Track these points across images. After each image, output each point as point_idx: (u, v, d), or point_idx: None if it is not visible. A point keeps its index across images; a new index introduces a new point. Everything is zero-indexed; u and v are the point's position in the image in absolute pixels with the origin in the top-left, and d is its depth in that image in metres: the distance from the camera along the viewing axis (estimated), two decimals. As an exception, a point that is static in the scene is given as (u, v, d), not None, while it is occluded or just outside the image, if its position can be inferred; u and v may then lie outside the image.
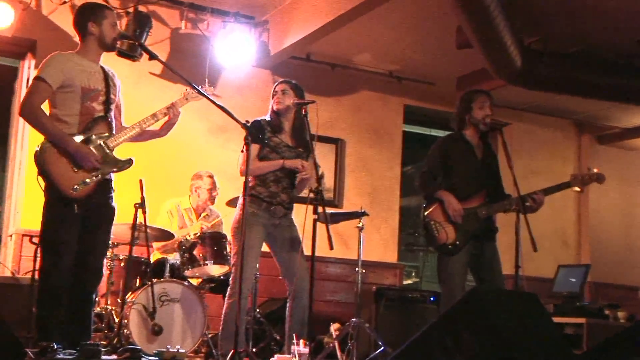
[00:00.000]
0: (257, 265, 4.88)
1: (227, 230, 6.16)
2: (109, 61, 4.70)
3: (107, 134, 4.46)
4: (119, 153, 4.53)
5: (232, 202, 6.19)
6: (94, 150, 4.38)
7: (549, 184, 5.30)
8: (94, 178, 4.36)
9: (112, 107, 4.53)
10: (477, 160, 5.32)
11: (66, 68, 4.36)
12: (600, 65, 7.13)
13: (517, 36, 6.46)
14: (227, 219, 6.39)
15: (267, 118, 5.00)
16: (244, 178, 4.45)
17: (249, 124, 4.12)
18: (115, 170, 4.49)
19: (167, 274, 5.73)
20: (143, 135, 4.68)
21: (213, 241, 5.77)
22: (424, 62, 7.96)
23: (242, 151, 4.34)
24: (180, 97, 4.77)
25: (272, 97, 5.01)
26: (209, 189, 6.43)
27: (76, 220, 4.31)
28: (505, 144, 5.05)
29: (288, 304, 4.84)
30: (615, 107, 8.50)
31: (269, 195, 4.85)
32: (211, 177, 6.48)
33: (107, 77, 4.51)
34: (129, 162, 4.52)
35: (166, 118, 4.67)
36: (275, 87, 5.04)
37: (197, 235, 5.77)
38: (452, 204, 5.19)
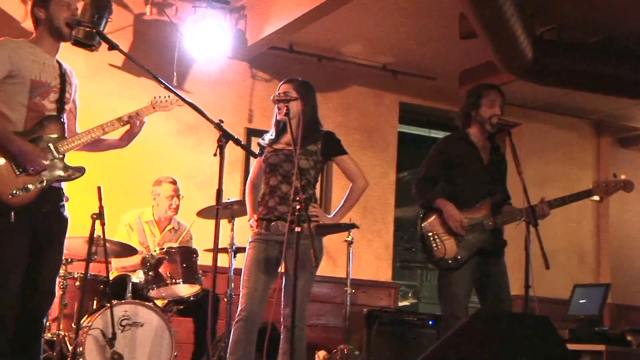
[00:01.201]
0: (270, 284, 4.85)
1: (199, 244, 6.15)
2: (62, 52, 4.67)
3: (58, 136, 4.37)
4: (72, 160, 4.46)
5: (203, 213, 6.18)
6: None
7: (564, 193, 5.31)
8: (37, 185, 4.24)
9: (67, 107, 4.44)
10: (483, 164, 5.34)
11: (15, 56, 4.29)
12: (622, 58, 7.18)
13: (529, 25, 6.50)
14: (200, 232, 6.39)
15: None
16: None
17: (222, 124, 4.11)
18: (64, 177, 4.36)
19: (129, 294, 5.71)
20: (99, 145, 4.61)
21: (182, 257, 5.77)
22: (422, 54, 7.99)
23: (215, 154, 4.32)
24: (146, 104, 4.73)
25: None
26: (168, 196, 6.39)
27: (22, 232, 4.23)
28: (514, 147, 5.06)
29: (282, 335, 4.82)
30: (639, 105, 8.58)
31: (267, 212, 4.88)
32: (173, 183, 6.44)
33: (63, 74, 4.43)
34: (80, 171, 4.40)
35: (127, 127, 4.62)
36: (279, 88, 5.06)
37: (163, 251, 5.76)
38: (452, 214, 5.20)
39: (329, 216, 5.05)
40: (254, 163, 5.15)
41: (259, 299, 4.79)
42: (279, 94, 4.96)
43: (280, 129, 5.00)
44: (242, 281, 4.85)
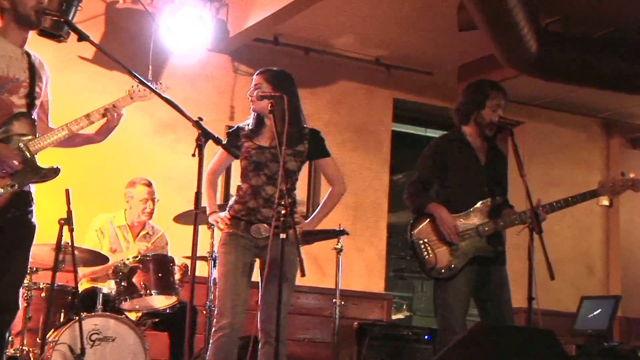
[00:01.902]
0: (245, 292, 4.83)
1: (176, 252, 6.15)
2: (28, 43, 4.65)
3: (29, 135, 4.33)
4: (42, 159, 4.44)
5: (181, 218, 6.18)
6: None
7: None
8: (9, 188, 4.22)
9: (37, 102, 4.43)
10: (480, 166, 5.36)
11: (-22, 49, 4.29)
12: (632, 52, 7.21)
13: (533, 16, 6.52)
14: (177, 239, 6.38)
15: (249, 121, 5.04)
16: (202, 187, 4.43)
17: (201, 122, 4.12)
18: (36, 180, 4.34)
19: (99, 306, 5.70)
20: (74, 140, 4.60)
21: (157, 266, 5.77)
22: (418, 47, 8.01)
23: (193, 155, 4.32)
24: (123, 95, 4.72)
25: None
26: (142, 199, 6.38)
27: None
28: (516, 147, 5.09)
29: (261, 350, 4.82)
30: (652, 102, 8.62)
31: (247, 213, 4.87)
32: (148, 185, 6.43)
33: (32, 66, 4.41)
34: (54, 172, 4.38)
35: (104, 120, 4.61)
36: (253, 80, 5.07)
37: (137, 259, 5.76)
38: (444, 219, 5.22)
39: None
40: (216, 154, 5.08)
41: (242, 309, 4.80)
42: (255, 85, 4.97)
43: (259, 122, 4.99)
44: (221, 288, 4.81)
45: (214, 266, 6.12)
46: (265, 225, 4.84)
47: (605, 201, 9.43)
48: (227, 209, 4.96)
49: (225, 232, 4.89)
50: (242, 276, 4.83)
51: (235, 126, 5.07)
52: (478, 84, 5.46)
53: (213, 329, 4.78)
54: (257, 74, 5.05)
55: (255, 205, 4.88)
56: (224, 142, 4.54)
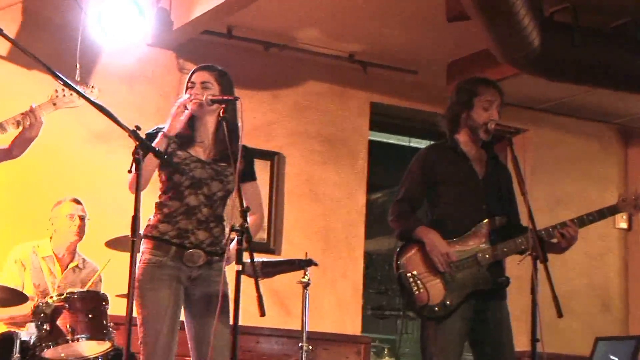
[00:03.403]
0: (176, 338, 4.82)
1: (110, 287, 6.12)
2: None
3: None
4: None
5: (114, 244, 6.16)
6: None
7: (581, 217, 5.38)
8: None
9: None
10: (478, 179, 5.39)
11: None
12: (652, 47, 7.29)
13: (535, 3, 6.57)
14: (110, 271, 6.35)
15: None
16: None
17: (139, 131, 4.11)
18: None
19: (16, 355, 5.65)
20: None
21: (87, 305, 5.73)
22: (399, 41, 8.04)
23: (129, 171, 4.31)
24: (45, 100, 4.70)
25: (186, 92, 5.00)
26: (68, 215, 6.34)
27: None
28: (516, 160, 5.11)
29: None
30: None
31: (178, 234, 4.84)
32: (76, 202, 6.40)
33: None
34: None
35: (20, 130, 4.59)
36: (192, 75, 5.03)
37: (62, 297, 5.73)
38: (435, 245, 5.23)
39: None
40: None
41: (174, 354, 4.79)
42: (203, 84, 4.95)
43: (193, 128, 4.97)
44: (149, 342, 4.72)
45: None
46: (200, 251, 4.84)
47: (623, 223, 9.50)
48: (145, 229, 4.84)
49: (146, 261, 4.77)
50: (174, 322, 4.77)
51: (155, 128, 4.92)
52: (463, 83, 5.51)
53: None
54: (202, 69, 5.00)
55: (188, 226, 4.86)
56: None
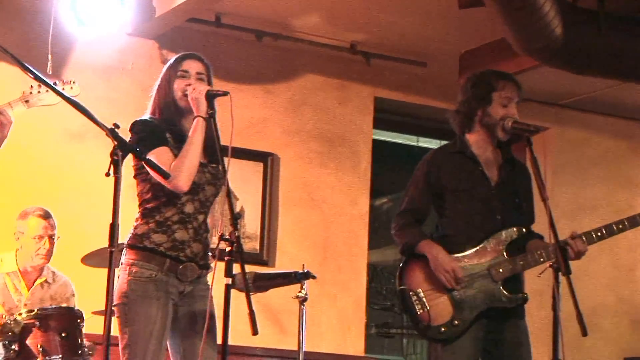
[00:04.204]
0: None
1: (85, 304, 6.10)
2: None
3: None
4: None
5: (91, 259, 6.14)
6: None
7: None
8: None
9: None
10: (491, 186, 5.38)
11: None
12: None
13: (557, -12, 6.58)
14: (86, 287, 6.33)
15: (153, 117, 4.97)
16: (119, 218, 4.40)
17: (117, 130, 4.10)
18: None
19: (-18, 377, 5.65)
20: None
21: (60, 323, 5.73)
22: (406, 30, 8.03)
23: (107, 174, 4.30)
24: (15, 98, 4.69)
25: (175, 81, 4.97)
26: (35, 236, 6.33)
27: None
28: (536, 162, 5.09)
29: None
30: None
31: (173, 246, 4.83)
32: (43, 216, 6.37)
33: None
34: None
35: None
36: (181, 63, 5.00)
37: (33, 314, 5.71)
38: (439, 260, 5.23)
39: None
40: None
41: None
42: (198, 75, 4.93)
43: (182, 125, 4.94)
44: (139, 348, 4.70)
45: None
46: (194, 265, 4.83)
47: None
48: (132, 238, 4.81)
49: (137, 275, 4.73)
50: (163, 343, 4.75)
51: (141, 121, 4.85)
52: (479, 75, 5.49)
53: None
54: (193, 58, 4.96)
55: (185, 237, 4.84)
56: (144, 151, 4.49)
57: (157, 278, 4.77)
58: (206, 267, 4.86)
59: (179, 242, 4.82)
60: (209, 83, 4.96)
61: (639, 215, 5.34)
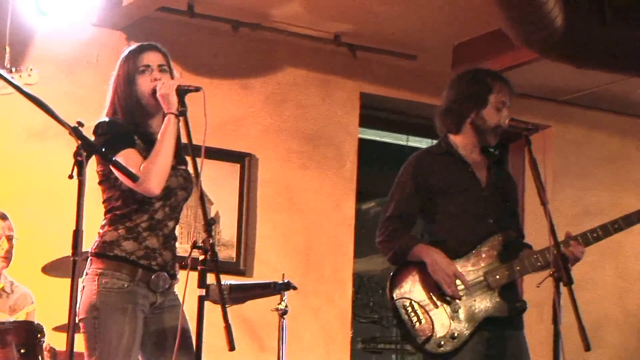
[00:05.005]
0: None
1: (46, 317, 6.11)
2: None
3: None
4: None
5: (52, 268, 6.15)
6: None
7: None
8: None
9: None
10: (481, 188, 5.42)
11: None
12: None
13: (558, -24, 6.61)
14: (47, 299, 6.34)
15: (113, 116, 4.98)
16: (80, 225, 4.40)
17: (81, 128, 4.11)
18: None
19: None
20: None
21: (19, 338, 5.74)
22: (395, 20, 8.05)
23: (70, 176, 4.32)
24: None
25: (137, 78, 4.97)
26: None
27: None
28: (535, 163, 5.11)
29: None
30: None
31: (145, 254, 4.84)
32: (2, 218, 6.42)
33: None
34: None
35: None
36: (139, 56, 5.00)
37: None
38: (440, 265, 5.25)
39: None
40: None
41: None
42: (161, 67, 4.95)
43: (148, 125, 4.95)
44: None
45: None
46: (165, 274, 4.84)
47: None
48: (100, 246, 4.80)
49: (107, 286, 4.72)
50: (136, 352, 4.77)
51: (107, 122, 4.86)
52: (474, 73, 5.51)
53: None
54: (152, 50, 4.96)
55: (155, 244, 4.87)
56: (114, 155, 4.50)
57: (129, 289, 4.77)
58: (174, 277, 4.88)
59: (151, 250, 4.82)
60: (171, 73, 4.98)
61: (634, 214, 5.37)
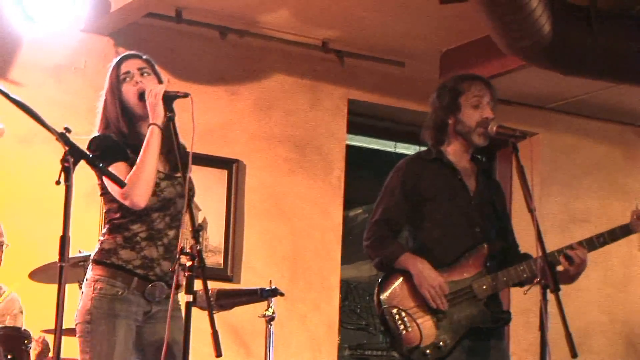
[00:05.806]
0: None
1: (32, 323, 6.10)
2: None
3: None
4: None
5: (39, 274, 6.15)
6: None
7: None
8: None
9: None
10: (470, 196, 5.41)
11: None
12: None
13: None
14: (34, 304, 6.33)
15: (105, 130, 4.97)
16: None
17: (68, 134, 4.11)
18: None
19: None
20: None
21: (5, 344, 5.74)
22: (383, 27, 8.06)
23: (57, 182, 4.31)
24: None
25: (121, 87, 4.97)
26: None
27: None
28: (522, 170, 5.11)
29: None
30: None
31: (142, 264, 4.84)
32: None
33: None
34: None
35: None
36: (119, 67, 5.01)
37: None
38: (425, 276, 5.23)
39: None
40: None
41: None
42: (142, 70, 4.94)
43: (138, 134, 4.94)
44: None
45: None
46: (163, 284, 4.84)
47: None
48: (99, 254, 4.82)
49: (102, 291, 4.74)
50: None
51: (100, 134, 4.89)
52: (442, 84, 5.52)
53: None
54: (130, 58, 4.98)
55: (155, 254, 4.86)
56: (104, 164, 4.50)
57: (123, 296, 4.78)
58: (178, 287, 4.77)
59: (149, 260, 4.82)
60: (157, 76, 4.98)
61: (619, 228, 5.37)
